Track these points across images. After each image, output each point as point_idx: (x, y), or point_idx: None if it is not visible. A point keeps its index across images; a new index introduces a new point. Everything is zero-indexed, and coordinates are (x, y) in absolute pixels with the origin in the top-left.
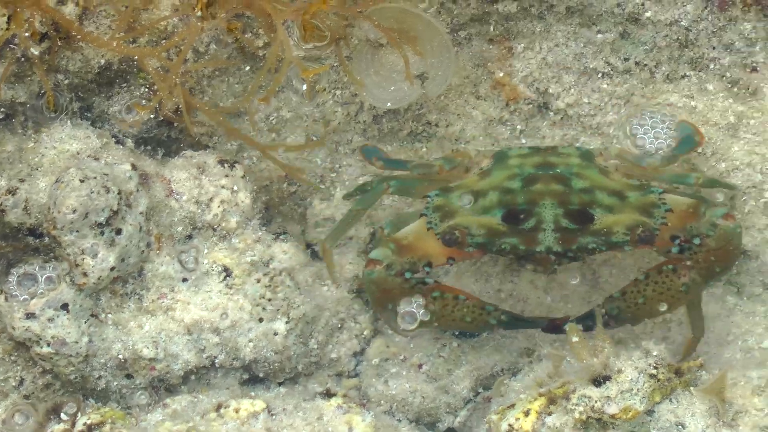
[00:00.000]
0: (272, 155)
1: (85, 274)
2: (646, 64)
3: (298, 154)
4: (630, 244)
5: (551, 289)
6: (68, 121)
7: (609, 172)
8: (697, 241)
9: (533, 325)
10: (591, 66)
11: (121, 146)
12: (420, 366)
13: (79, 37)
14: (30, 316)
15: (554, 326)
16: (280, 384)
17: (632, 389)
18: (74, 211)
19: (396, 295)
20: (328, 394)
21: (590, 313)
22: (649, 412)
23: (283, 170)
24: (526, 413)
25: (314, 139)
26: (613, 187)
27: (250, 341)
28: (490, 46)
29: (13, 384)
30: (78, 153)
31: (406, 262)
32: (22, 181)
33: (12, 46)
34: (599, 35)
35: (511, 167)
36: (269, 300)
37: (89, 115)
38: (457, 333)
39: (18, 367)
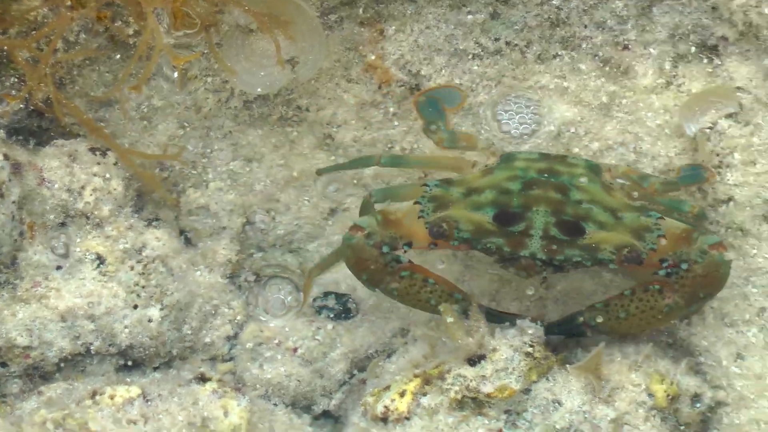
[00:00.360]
0: (131, 159)
1: None
2: (516, 45)
3: (170, 141)
4: (616, 263)
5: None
6: None
7: (612, 190)
8: (684, 266)
9: (499, 319)
10: (462, 47)
11: None
12: (295, 350)
13: None
14: None
15: (516, 318)
16: (155, 369)
17: (508, 368)
18: None
19: (368, 267)
20: (203, 379)
21: (571, 318)
22: (526, 391)
23: (153, 158)
24: (402, 394)
25: (188, 128)
26: (610, 205)
27: (125, 327)
28: (362, 29)
29: None
30: None
31: (387, 235)
32: None
33: None
34: (469, 16)
35: (515, 169)
36: (143, 287)
37: None
38: None
39: None
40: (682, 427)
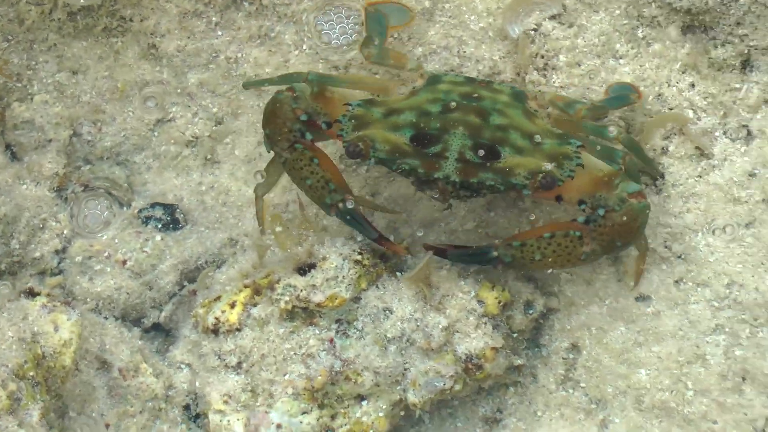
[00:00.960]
0: None
1: None
2: None
3: None
4: (529, 188)
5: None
6: None
7: (535, 117)
8: (601, 212)
9: (367, 234)
10: None
11: None
12: (124, 262)
13: None
14: None
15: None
16: None
17: (338, 276)
18: None
19: (277, 124)
20: (32, 294)
21: (484, 249)
22: (356, 299)
23: None
24: (232, 305)
25: (11, 41)
26: (530, 130)
27: None
28: None
29: None
30: None
31: (312, 106)
32: None
33: None
34: None
35: (438, 91)
36: None
37: None
38: None
39: None
40: (515, 334)
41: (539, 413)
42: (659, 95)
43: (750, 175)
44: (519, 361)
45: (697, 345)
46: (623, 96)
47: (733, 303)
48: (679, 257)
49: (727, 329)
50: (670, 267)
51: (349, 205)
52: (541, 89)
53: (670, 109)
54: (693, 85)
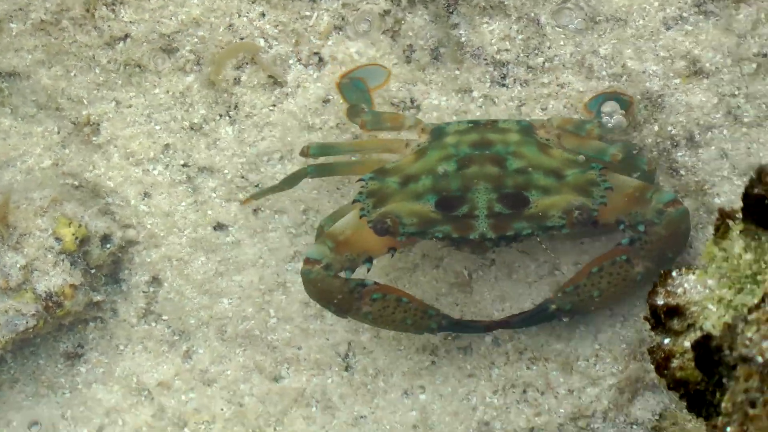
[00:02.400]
0: None
1: None
2: None
3: None
4: (567, 227)
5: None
6: None
7: (549, 148)
8: (641, 227)
9: (472, 330)
10: None
11: None
12: None
13: None
14: None
15: (497, 326)
16: None
17: None
18: None
19: (334, 298)
20: None
21: (542, 308)
22: None
23: None
24: None
25: None
26: (551, 166)
27: None
28: None
29: None
30: None
31: (345, 260)
32: None
33: None
34: None
35: (447, 146)
36: None
37: None
38: None
39: None
40: (92, 270)
41: (121, 347)
42: (230, 26)
43: (324, 102)
44: (98, 297)
45: (278, 273)
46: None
47: (311, 229)
48: (257, 186)
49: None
50: (247, 194)
51: (445, 322)
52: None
53: (242, 39)
54: (263, 15)
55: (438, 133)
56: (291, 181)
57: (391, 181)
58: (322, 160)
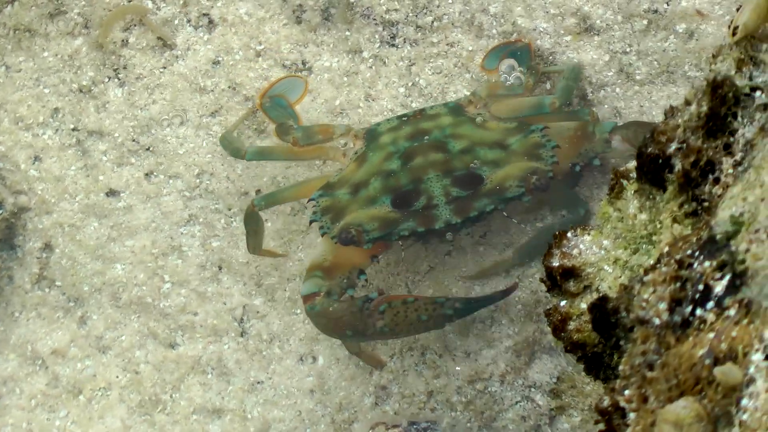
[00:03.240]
0: None
1: None
2: None
3: None
4: (527, 194)
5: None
6: None
7: (485, 122)
8: (596, 162)
9: (489, 302)
10: None
11: None
12: None
13: None
14: None
15: (507, 293)
16: None
17: None
18: None
19: (347, 322)
20: None
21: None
22: None
23: None
24: None
25: None
26: (492, 139)
27: None
28: None
29: None
30: None
31: (340, 281)
32: None
33: None
34: None
35: (385, 146)
36: None
37: None
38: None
39: None
40: None
41: (17, 314)
42: None
43: (214, 63)
44: None
45: (172, 237)
46: (522, 54)
47: (205, 192)
48: (148, 149)
49: (201, 220)
50: (139, 160)
51: (459, 305)
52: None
53: (129, 1)
54: None
55: (371, 135)
56: (250, 222)
57: (341, 193)
58: (267, 189)
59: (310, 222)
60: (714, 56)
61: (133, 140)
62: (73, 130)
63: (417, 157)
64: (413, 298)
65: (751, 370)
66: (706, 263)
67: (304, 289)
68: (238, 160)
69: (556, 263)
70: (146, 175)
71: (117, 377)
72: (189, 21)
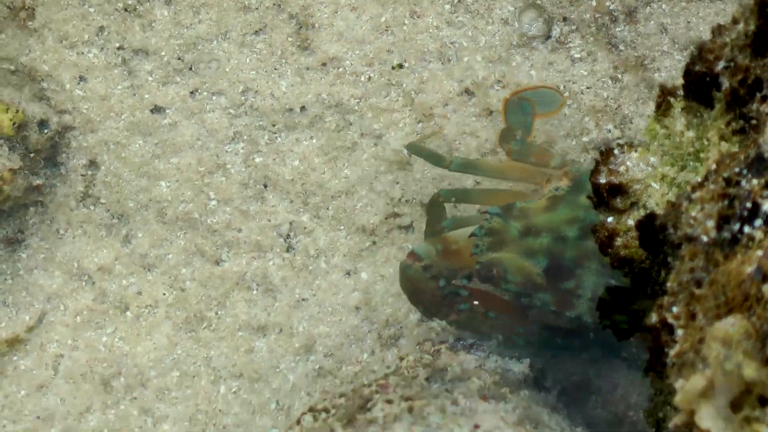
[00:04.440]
0: None
1: None
2: None
3: None
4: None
5: None
6: None
7: None
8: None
9: (564, 321)
10: None
11: None
12: None
13: None
14: None
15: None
16: None
17: None
18: None
19: (426, 299)
20: None
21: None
22: None
23: None
24: None
25: None
26: None
27: None
28: None
29: None
30: None
31: (445, 268)
32: None
33: None
34: None
35: (579, 207)
36: None
37: None
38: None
39: None
40: (32, 154)
41: (61, 231)
42: None
43: None
44: (38, 181)
45: (217, 155)
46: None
47: (250, 110)
48: (191, 68)
49: (245, 137)
50: (184, 78)
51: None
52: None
53: None
54: None
55: (578, 186)
56: (432, 211)
57: (514, 226)
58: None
59: (470, 235)
60: None
61: (179, 58)
62: (119, 48)
63: (591, 239)
64: (496, 313)
65: None
66: (754, 181)
67: (417, 246)
68: (283, 77)
69: (603, 180)
70: (191, 93)
71: (164, 294)
72: None
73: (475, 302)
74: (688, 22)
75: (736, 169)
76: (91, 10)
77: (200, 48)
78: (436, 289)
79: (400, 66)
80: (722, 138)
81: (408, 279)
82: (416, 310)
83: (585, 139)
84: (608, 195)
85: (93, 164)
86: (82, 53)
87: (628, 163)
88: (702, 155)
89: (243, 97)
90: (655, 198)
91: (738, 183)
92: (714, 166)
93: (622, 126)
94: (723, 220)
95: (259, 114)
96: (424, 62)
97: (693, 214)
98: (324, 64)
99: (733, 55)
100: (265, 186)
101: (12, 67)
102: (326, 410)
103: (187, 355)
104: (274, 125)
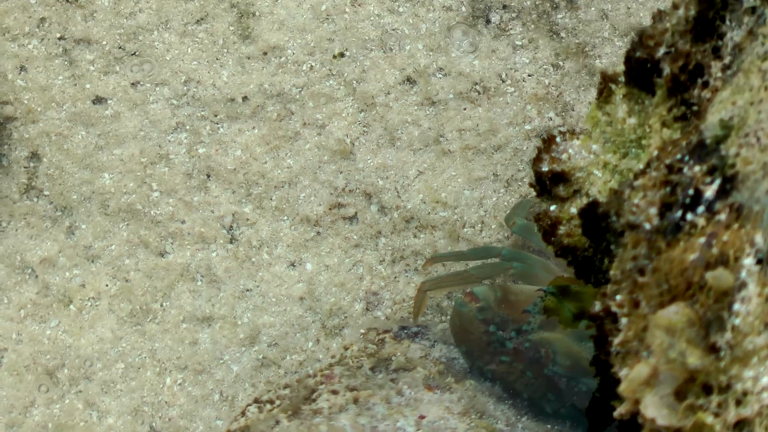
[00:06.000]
0: None
1: None
2: None
3: None
4: None
5: None
6: None
7: None
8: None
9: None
10: None
11: None
12: None
13: None
14: None
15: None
16: None
17: None
18: None
19: (471, 340)
20: None
21: None
22: None
23: None
24: None
25: None
26: None
27: None
28: None
29: None
30: None
31: (498, 315)
32: None
33: None
34: None
35: None
36: None
37: None
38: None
39: None
40: None
41: (4, 224)
42: None
43: None
44: None
45: (160, 145)
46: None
47: (192, 100)
48: (134, 54)
49: (187, 127)
50: (125, 68)
51: (564, 411)
52: None
53: None
54: None
55: None
56: (480, 252)
57: (567, 307)
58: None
59: (523, 311)
60: None
61: (120, 47)
62: (60, 39)
63: None
64: (533, 374)
65: (743, 274)
66: (696, 168)
67: (478, 289)
68: (225, 66)
69: (545, 168)
70: (132, 84)
71: (107, 286)
72: None
73: (517, 360)
74: (629, 8)
75: (678, 156)
76: (32, 1)
77: (141, 38)
78: (484, 333)
79: (342, 55)
80: (664, 125)
81: (459, 315)
82: (359, 299)
83: (527, 127)
84: (551, 183)
85: (35, 156)
86: (23, 44)
87: (570, 150)
88: (644, 142)
89: (185, 87)
90: (598, 186)
91: (680, 170)
92: (656, 153)
93: (563, 113)
94: (665, 208)
95: (201, 104)
96: (366, 50)
97: (635, 201)
98: (265, 54)
99: (674, 40)
100: (208, 176)
101: None
102: (271, 401)
103: (132, 347)
104: (216, 115)
